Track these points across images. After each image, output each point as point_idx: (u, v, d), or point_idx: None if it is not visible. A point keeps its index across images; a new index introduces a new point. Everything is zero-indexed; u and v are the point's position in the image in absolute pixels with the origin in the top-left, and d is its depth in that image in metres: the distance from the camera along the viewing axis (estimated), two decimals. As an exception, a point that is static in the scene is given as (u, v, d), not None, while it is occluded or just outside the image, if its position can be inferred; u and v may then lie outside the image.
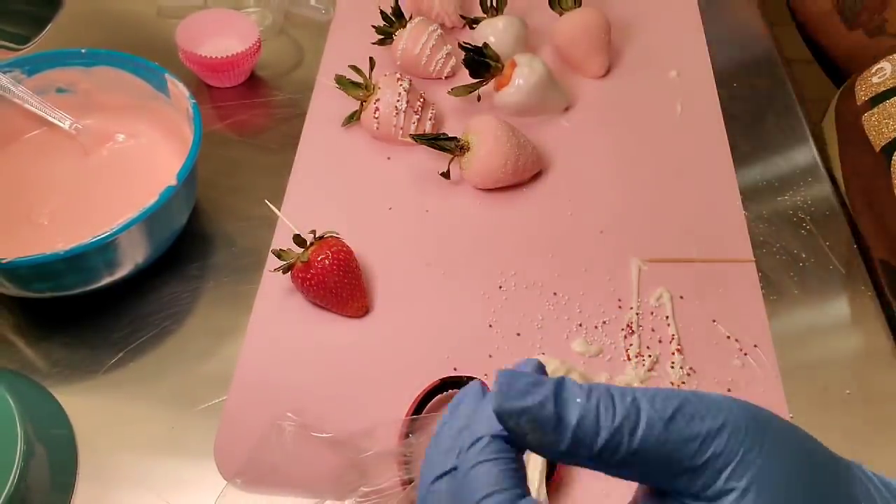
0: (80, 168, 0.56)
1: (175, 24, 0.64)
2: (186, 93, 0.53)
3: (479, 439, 0.24)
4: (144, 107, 0.57)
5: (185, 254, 0.54)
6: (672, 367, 0.48)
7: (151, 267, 0.53)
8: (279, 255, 0.49)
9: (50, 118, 0.56)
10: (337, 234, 0.50)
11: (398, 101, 0.58)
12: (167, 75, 0.54)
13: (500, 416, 0.23)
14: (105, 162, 0.57)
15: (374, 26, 0.64)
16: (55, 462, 0.44)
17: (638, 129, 0.63)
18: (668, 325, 0.50)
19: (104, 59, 0.55)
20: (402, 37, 0.64)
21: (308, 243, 0.49)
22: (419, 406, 0.45)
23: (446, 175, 0.57)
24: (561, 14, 0.65)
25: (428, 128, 0.60)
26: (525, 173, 0.57)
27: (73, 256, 0.44)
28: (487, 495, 0.23)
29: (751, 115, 0.64)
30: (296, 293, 0.51)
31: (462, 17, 0.67)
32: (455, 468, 0.25)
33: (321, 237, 0.49)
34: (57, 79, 0.56)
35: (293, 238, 0.49)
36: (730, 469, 0.23)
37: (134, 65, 0.55)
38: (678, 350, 0.49)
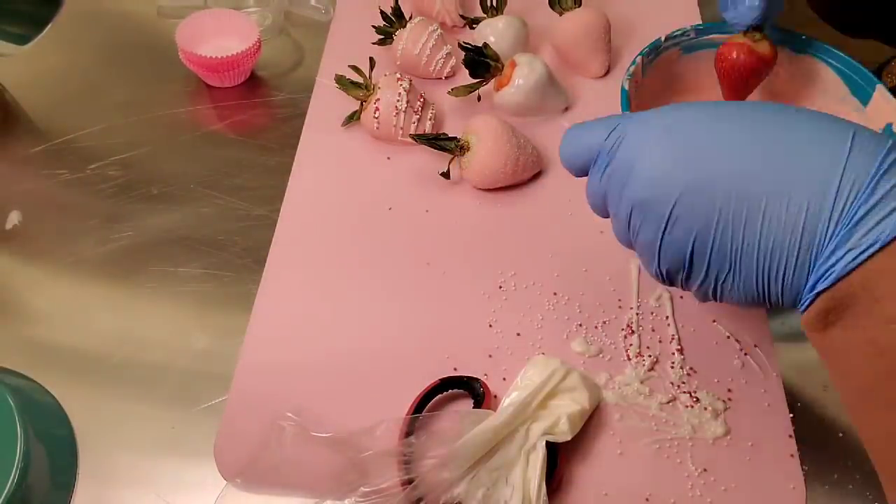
0: None
1: (175, 24, 0.64)
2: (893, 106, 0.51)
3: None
4: (825, 107, 0.56)
5: (185, 253, 0.54)
6: (672, 367, 0.48)
7: (152, 266, 0.53)
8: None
9: None
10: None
11: (398, 101, 0.58)
12: (880, 85, 0.53)
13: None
14: None
15: (374, 26, 0.64)
16: (55, 462, 0.44)
17: (638, 129, 0.63)
18: (668, 325, 0.50)
19: (814, 49, 0.56)
20: (402, 37, 0.64)
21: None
22: (419, 406, 0.45)
23: (446, 175, 0.57)
24: (561, 14, 0.65)
25: (428, 128, 0.60)
26: (525, 173, 0.57)
27: None
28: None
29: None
30: (296, 293, 0.51)
31: (462, 17, 0.67)
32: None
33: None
34: None
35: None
36: None
37: (842, 63, 0.55)
38: (678, 350, 0.49)
